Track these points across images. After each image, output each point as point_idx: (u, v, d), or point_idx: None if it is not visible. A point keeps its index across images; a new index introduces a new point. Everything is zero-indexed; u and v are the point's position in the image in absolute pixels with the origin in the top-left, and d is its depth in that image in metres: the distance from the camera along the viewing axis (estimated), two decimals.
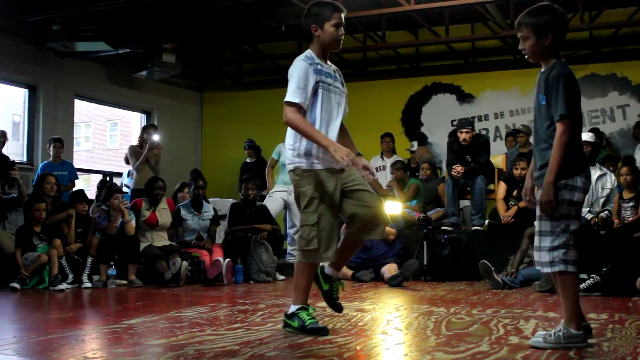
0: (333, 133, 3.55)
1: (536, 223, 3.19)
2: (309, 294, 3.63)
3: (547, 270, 3.13)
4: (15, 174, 7.21)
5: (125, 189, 8.87)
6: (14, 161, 7.64)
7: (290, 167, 3.58)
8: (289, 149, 3.57)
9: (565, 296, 3.13)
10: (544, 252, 3.11)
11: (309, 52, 3.60)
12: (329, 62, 3.67)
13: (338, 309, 3.78)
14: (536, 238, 3.18)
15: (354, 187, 3.57)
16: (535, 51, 3.17)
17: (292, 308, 3.57)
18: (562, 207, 3.09)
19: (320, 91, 3.51)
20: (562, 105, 3.04)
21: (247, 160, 10.42)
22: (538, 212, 3.16)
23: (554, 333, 3.11)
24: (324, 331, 3.49)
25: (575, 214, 3.11)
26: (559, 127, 3.05)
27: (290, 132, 3.56)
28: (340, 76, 3.71)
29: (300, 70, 3.48)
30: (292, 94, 3.46)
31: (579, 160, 3.12)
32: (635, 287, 5.52)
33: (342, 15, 3.56)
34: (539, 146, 3.19)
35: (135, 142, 8.93)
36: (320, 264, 3.66)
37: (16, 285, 5.94)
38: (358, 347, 3.25)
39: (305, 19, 3.60)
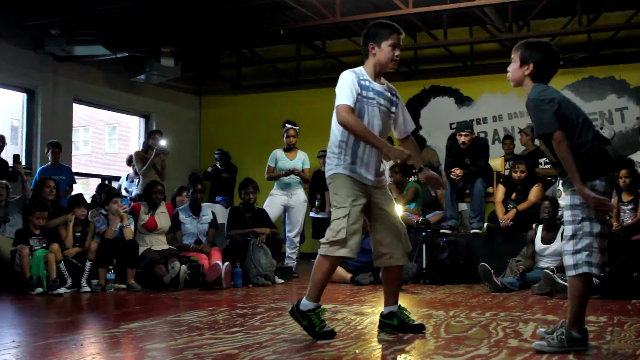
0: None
1: (563, 228, 3.25)
2: (323, 291, 3.64)
3: (571, 273, 3.11)
4: (19, 167, 7.17)
5: (123, 192, 8.86)
6: (18, 155, 7.63)
7: (331, 173, 3.67)
8: (332, 156, 3.66)
9: (575, 300, 3.11)
10: (568, 256, 3.12)
11: (359, 68, 3.72)
12: (383, 80, 3.77)
13: (420, 328, 3.75)
14: (564, 243, 3.20)
15: (381, 206, 3.72)
16: (514, 75, 3.32)
17: (306, 305, 3.58)
18: (583, 210, 3.09)
19: (358, 104, 3.61)
20: (537, 128, 3.19)
21: (210, 169, 10.85)
22: (565, 217, 3.20)
23: (557, 336, 3.10)
24: (331, 335, 3.56)
25: (596, 217, 3.10)
26: (553, 142, 3.11)
27: (334, 140, 3.68)
28: (394, 96, 3.79)
29: (347, 79, 3.63)
30: (343, 97, 3.58)
31: (598, 164, 3.12)
32: (634, 289, 5.52)
33: (400, 37, 3.68)
34: None
35: (134, 146, 8.94)
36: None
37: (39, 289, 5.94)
38: (357, 351, 3.26)
39: (364, 37, 3.74)
